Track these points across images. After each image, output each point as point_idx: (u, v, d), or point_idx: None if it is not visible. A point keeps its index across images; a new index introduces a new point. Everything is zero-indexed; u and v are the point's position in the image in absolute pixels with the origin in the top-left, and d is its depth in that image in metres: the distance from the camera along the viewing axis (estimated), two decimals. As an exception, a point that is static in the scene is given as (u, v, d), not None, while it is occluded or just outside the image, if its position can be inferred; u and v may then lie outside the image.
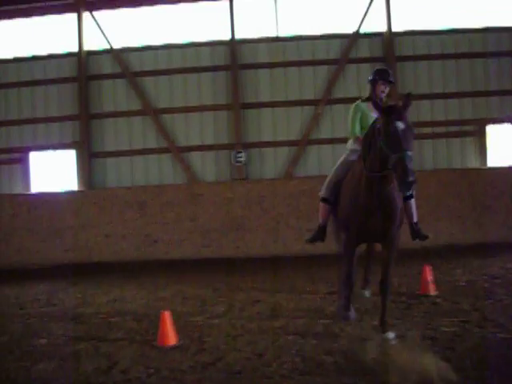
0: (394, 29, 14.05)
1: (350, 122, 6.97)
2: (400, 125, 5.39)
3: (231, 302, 8.43)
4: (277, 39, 14.27)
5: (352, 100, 13.42)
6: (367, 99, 6.83)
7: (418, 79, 13.90)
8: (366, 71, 13.75)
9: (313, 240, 7.28)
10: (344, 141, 13.03)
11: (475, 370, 5.03)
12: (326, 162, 13.52)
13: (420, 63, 14.04)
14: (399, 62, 13.91)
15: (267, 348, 6.00)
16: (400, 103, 5.68)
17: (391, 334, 6.06)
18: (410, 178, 5.19)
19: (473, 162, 13.90)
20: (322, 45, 14.21)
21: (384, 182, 5.83)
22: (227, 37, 14.20)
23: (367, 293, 7.98)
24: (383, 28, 14.10)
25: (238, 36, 14.19)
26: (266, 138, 14.20)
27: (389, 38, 13.96)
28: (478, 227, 12.95)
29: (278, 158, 14.15)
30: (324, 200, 7.03)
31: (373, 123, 5.93)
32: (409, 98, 5.61)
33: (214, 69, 14.32)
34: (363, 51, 14.18)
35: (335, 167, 7.02)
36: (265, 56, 14.28)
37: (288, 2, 14.30)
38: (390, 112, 5.51)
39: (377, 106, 5.69)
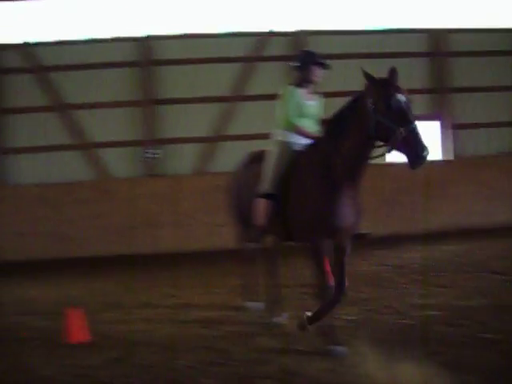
0: (308, 28, 14.40)
1: (284, 108, 6.04)
2: (401, 97, 5.10)
3: (144, 297, 8.50)
4: (191, 36, 14.29)
5: (264, 97, 13.89)
6: (300, 84, 6.09)
7: (332, 77, 14.25)
8: (279, 69, 14.09)
9: (248, 244, 6.79)
10: (256, 137, 13.47)
11: (375, 354, 5.38)
12: (238, 158, 13.68)
13: (335, 62, 14.34)
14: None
15: (179, 342, 6.13)
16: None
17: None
18: (425, 151, 4.94)
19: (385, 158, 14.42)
20: (235, 42, 14.36)
21: (363, 169, 5.47)
22: (141, 33, 14.14)
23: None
24: (296, 27, 14.41)
25: (152, 32, 14.15)
26: (180, 134, 14.25)
27: (301, 37, 14.29)
28: (386, 220, 13.44)
29: (191, 154, 14.22)
30: (267, 196, 5.95)
31: (353, 102, 5.44)
32: (395, 71, 5.25)
33: (127, 65, 14.21)
34: (276, 49, 14.43)
35: (274, 161, 6.03)
36: (179, 52, 14.30)
37: (201, -1, 14.36)
38: (387, 85, 5.16)
39: (370, 79, 5.26)
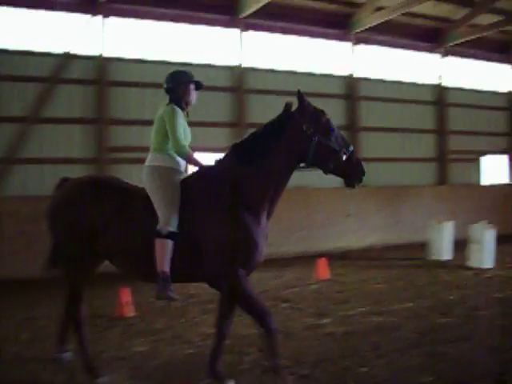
0: (109, 54, 14.19)
1: (173, 130, 5.33)
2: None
3: None
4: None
5: (61, 121, 13.38)
6: (178, 104, 5.56)
7: (128, 104, 14.21)
8: (77, 93, 13.73)
9: (167, 297, 5.11)
10: (52, 161, 12.91)
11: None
12: (31, 182, 13.06)
13: (131, 90, 14.32)
14: (112, 86, 14.07)
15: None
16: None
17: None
18: (364, 169, 5.24)
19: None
20: (33, 61, 13.60)
21: (281, 194, 5.48)
22: None
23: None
24: (97, 52, 14.11)
25: None
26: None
27: (102, 63, 14.05)
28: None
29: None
30: (170, 235, 5.06)
31: (279, 126, 5.26)
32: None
33: None
34: (75, 73, 13.95)
35: (162, 194, 5.20)
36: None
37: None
38: (320, 110, 5.28)
39: (307, 104, 5.24)
